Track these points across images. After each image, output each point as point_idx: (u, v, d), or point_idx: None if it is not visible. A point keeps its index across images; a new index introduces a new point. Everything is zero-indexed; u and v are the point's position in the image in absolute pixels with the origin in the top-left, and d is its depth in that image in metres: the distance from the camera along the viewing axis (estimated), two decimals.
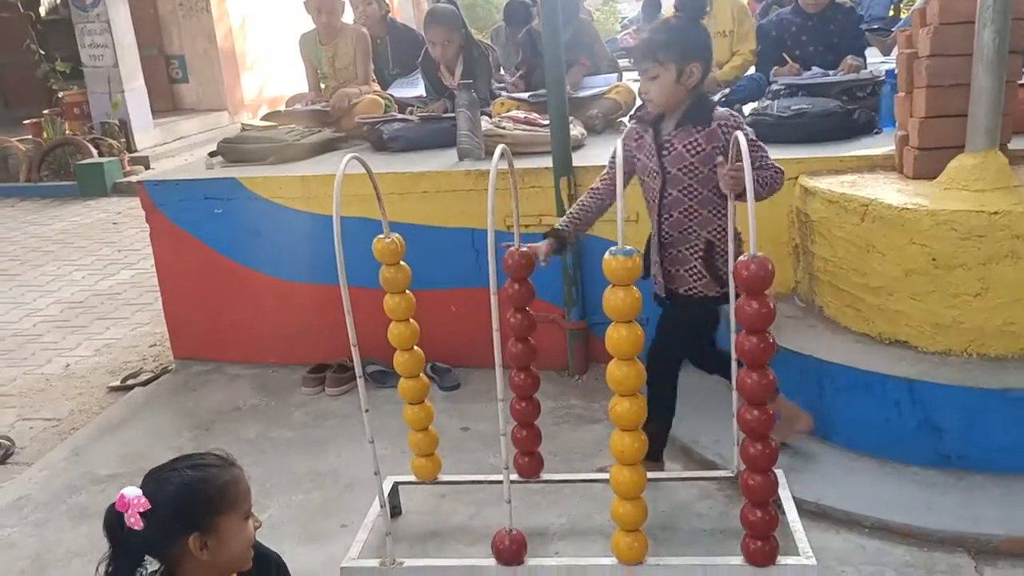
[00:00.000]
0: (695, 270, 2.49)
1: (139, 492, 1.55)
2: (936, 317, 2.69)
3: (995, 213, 2.55)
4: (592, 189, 2.59)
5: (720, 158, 2.36)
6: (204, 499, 1.57)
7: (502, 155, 2.16)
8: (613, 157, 2.41)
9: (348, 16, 5.07)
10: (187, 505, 1.56)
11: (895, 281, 2.74)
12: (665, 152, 2.46)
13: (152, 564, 1.60)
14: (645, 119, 2.54)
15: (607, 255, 1.93)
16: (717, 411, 2.97)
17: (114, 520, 1.55)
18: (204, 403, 3.56)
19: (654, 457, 2.59)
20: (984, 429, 2.52)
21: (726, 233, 2.43)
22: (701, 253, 2.48)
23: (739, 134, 2.08)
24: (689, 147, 2.43)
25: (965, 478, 2.53)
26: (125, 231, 6.72)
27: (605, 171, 2.58)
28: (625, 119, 4.15)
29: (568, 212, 2.60)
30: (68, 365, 4.22)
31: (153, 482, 1.58)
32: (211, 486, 1.58)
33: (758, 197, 2.12)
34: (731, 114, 2.50)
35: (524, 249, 2.44)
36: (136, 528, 1.52)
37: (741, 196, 2.20)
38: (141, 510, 1.52)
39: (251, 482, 2.83)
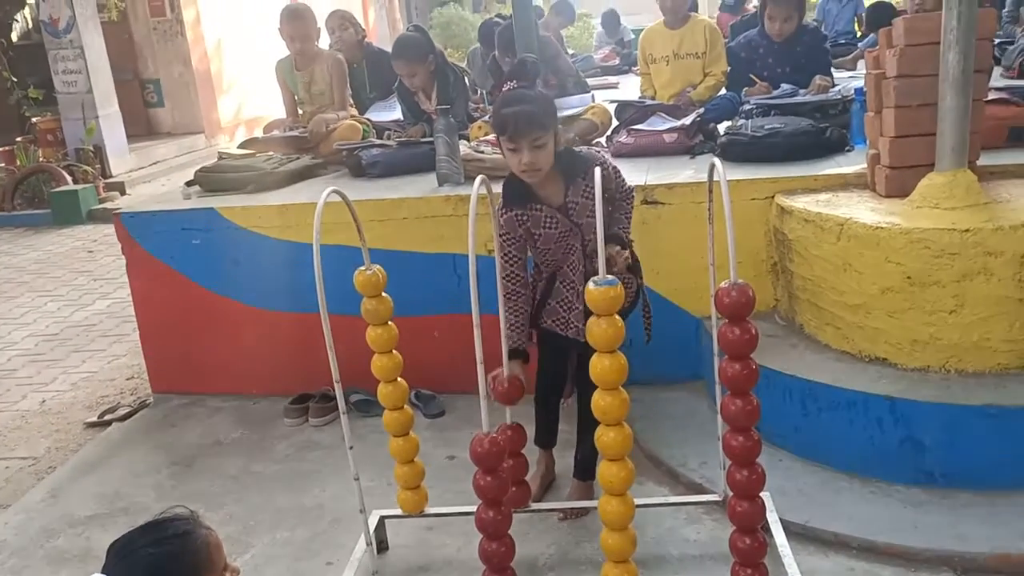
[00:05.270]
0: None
1: None
2: (913, 334, 2.72)
3: (966, 231, 2.59)
4: (508, 280, 2.52)
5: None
6: None
7: (482, 183, 2.16)
8: (503, 235, 2.49)
9: (324, 41, 5.07)
10: None
11: (872, 299, 2.76)
12: (572, 211, 2.52)
13: None
14: (517, 201, 2.53)
15: (590, 285, 1.93)
16: (702, 434, 2.99)
17: None
18: (184, 438, 3.50)
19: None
20: (966, 446, 2.54)
21: None
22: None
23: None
24: (586, 194, 2.51)
25: (950, 496, 2.54)
26: (101, 259, 6.65)
27: (505, 253, 2.52)
28: (603, 140, 4.16)
29: (509, 324, 2.53)
30: (44, 401, 4.16)
31: (119, 567, 1.51)
32: (181, 561, 1.52)
33: None
34: (594, 151, 2.62)
35: (506, 377, 2.46)
36: None
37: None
38: None
39: (233, 521, 2.86)
